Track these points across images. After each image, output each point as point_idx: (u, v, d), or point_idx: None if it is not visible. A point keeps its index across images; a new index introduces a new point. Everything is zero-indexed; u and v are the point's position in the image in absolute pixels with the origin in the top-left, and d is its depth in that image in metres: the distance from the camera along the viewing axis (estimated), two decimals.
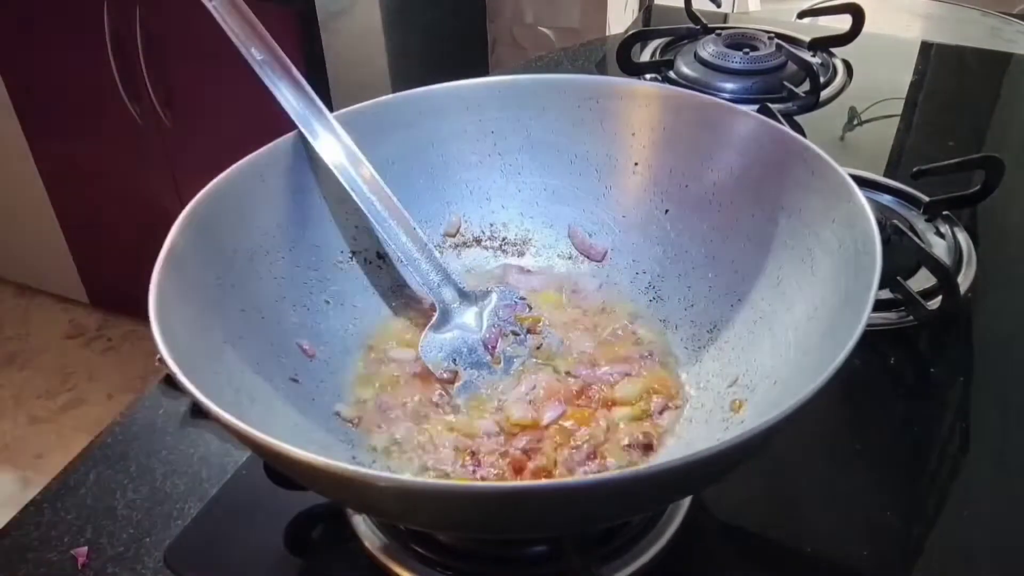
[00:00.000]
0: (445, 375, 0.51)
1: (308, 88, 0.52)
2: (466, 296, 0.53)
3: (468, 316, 0.53)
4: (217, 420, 0.35)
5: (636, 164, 0.56)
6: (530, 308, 0.55)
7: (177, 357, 0.37)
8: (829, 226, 0.45)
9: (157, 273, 0.42)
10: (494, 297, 0.54)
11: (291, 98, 0.52)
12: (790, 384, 0.42)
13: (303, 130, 0.52)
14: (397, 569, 0.46)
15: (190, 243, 0.45)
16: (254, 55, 0.51)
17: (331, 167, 0.52)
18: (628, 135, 0.56)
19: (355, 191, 0.52)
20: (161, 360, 0.59)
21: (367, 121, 0.55)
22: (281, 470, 0.41)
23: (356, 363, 0.53)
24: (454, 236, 0.59)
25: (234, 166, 0.50)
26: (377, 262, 0.56)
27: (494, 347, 0.52)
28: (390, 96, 0.56)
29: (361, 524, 0.48)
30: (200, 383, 0.37)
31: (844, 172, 0.45)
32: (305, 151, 0.53)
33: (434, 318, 0.53)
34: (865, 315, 0.37)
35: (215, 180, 0.49)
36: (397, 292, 0.56)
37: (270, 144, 0.52)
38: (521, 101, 0.57)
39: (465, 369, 0.51)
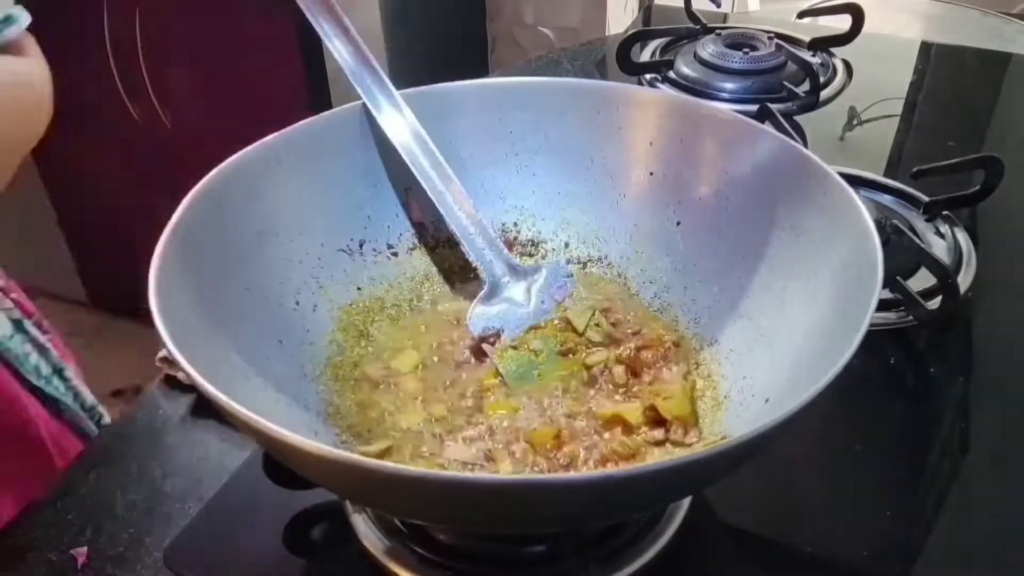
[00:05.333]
0: (490, 334, 0.53)
1: (372, 58, 0.54)
2: (516, 271, 0.55)
3: (517, 291, 0.55)
4: (211, 400, 0.35)
5: (652, 174, 0.56)
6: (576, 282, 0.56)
7: (174, 332, 0.37)
8: (836, 247, 0.45)
9: (161, 246, 0.42)
10: (544, 273, 0.55)
11: (350, 61, 0.53)
12: (782, 403, 0.42)
13: (367, 101, 0.53)
14: (397, 569, 0.46)
15: (198, 220, 0.45)
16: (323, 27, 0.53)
17: (393, 140, 0.53)
18: (646, 144, 0.56)
19: (414, 165, 0.53)
20: (161, 360, 0.59)
21: None
22: (274, 455, 0.41)
23: (356, 349, 0.53)
24: None
25: (250, 147, 0.50)
26: (386, 252, 0.57)
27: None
28: (411, 90, 0.56)
29: (361, 524, 0.48)
30: (196, 361, 0.36)
31: (854, 194, 0.45)
32: (323, 137, 0.53)
33: (483, 291, 0.54)
34: (856, 341, 0.37)
35: (229, 160, 0.49)
36: (404, 282, 0.57)
37: (288, 128, 0.52)
38: (541, 103, 0.57)
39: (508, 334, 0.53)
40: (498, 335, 0.53)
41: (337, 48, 0.53)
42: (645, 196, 0.56)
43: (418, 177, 0.53)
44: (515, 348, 0.53)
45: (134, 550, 0.49)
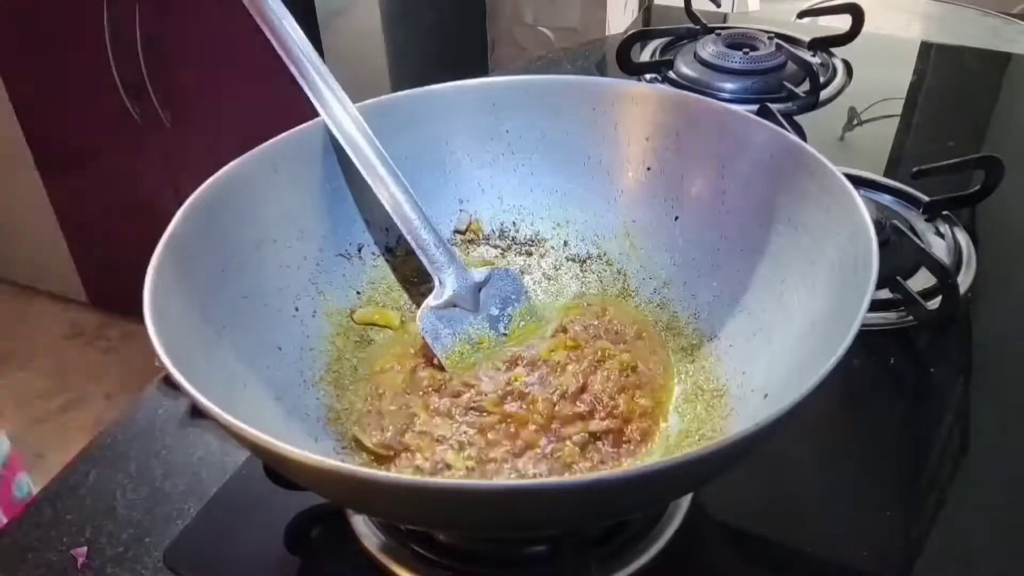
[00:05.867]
0: (437, 348, 0.52)
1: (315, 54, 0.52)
2: (466, 275, 0.53)
3: (467, 295, 0.53)
4: (207, 413, 0.35)
5: (649, 169, 0.56)
6: (527, 293, 0.55)
7: (170, 346, 0.37)
8: (833, 241, 0.45)
9: (157, 256, 0.42)
10: (494, 278, 0.54)
11: (297, 46, 0.52)
12: (781, 398, 0.42)
13: (311, 95, 0.52)
14: (397, 569, 0.46)
15: (194, 229, 0.45)
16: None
17: (339, 137, 0.52)
18: (642, 139, 0.56)
19: (362, 165, 0.52)
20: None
21: (382, 116, 0.55)
22: (271, 466, 0.41)
23: (356, 354, 0.53)
24: (464, 233, 0.59)
25: (246, 154, 0.50)
26: (386, 255, 0.57)
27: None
28: (406, 92, 0.56)
29: (361, 524, 0.48)
30: (192, 373, 0.36)
31: (849, 184, 0.45)
32: (319, 142, 0.53)
33: (433, 292, 0.53)
34: (850, 336, 0.37)
35: (225, 168, 0.48)
36: (404, 286, 0.57)
37: (284, 134, 0.52)
38: (536, 101, 0.57)
39: (459, 343, 0.52)
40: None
41: (288, 33, 0.52)
42: (643, 192, 0.56)
43: (363, 172, 0.52)
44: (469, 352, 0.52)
45: (134, 550, 0.49)
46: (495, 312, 0.54)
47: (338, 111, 0.52)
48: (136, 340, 1.94)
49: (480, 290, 0.54)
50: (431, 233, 0.52)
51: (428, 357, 0.52)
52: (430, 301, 0.53)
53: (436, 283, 0.53)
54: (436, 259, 0.53)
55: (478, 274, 0.54)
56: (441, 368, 0.52)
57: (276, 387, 0.47)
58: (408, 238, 0.53)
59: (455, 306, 0.53)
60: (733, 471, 0.39)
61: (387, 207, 0.52)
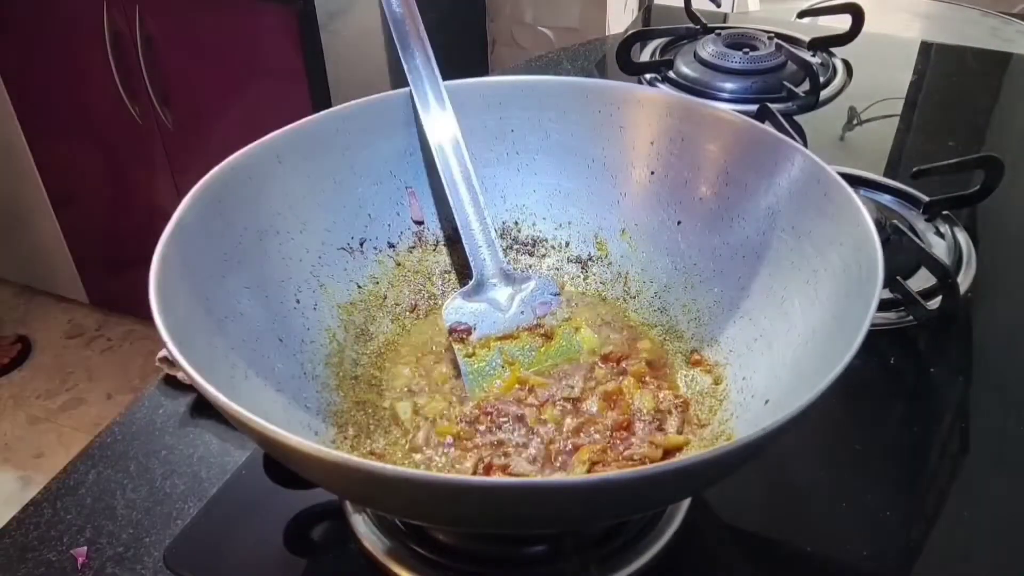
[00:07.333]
0: (460, 327, 0.53)
1: (432, 57, 0.55)
2: (506, 275, 0.54)
3: (501, 294, 0.54)
4: (210, 400, 0.35)
5: (653, 173, 0.56)
6: (563, 301, 0.55)
7: (174, 332, 0.37)
8: (836, 249, 0.45)
9: (162, 244, 0.42)
10: (532, 285, 0.54)
11: (419, 64, 0.55)
12: (782, 405, 0.42)
13: (415, 93, 0.54)
14: (397, 569, 0.46)
15: (199, 218, 0.45)
16: (393, 7, 0.55)
17: (426, 126, 0.54)
18: (647, 143, 0.56)
19: (438, 153, 0.53)
20: (161, 360, 0.59)
21: (388, 111, 0.55)
22: (272, 455, 0.41)
23: (357, 347, 0.53)
24: None
25: (251, 145, 0.50)
26: (387, 250, 0.57)
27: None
28: (408, 90, 0.56)
29: (361, 524, 0.48)
30: (196, 360, 0.37)
31: (855, 195, 0.45)
32: (324, 135, 0.53)
33: (468, 285, 0.54)
34: (856, 344, 0.37)
35: (230, 158, 0.49)
36: (403, 282, 0.57)
37: (289, 126, 0.52)
38: (543, 102, 0.57)
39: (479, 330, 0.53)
40: (468, 332, 0.53)
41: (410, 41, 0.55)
42: (646, 195, 0.56)
43: (438, 164, 0.53)
44: (486, 349, 0.52)
45: (134, 550, 0.49)
46: (525, 316, 0.54)
47: (436, 111, 0.54)
48: (136, 340, 1.94)
49: (516, 295, 0.54)
50: (482, 228, 0.53)
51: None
52: (462, 293, 0.53)
53: (474, 277, 0.54)
54: (480, 253, 0.53)
55: (519, 278, 0.54)
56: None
57: (277, 379, 0.47)
58: (458, 224, 0.53)
59: (486, 304, 0.53)
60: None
61: (448, 189, 0.53)
